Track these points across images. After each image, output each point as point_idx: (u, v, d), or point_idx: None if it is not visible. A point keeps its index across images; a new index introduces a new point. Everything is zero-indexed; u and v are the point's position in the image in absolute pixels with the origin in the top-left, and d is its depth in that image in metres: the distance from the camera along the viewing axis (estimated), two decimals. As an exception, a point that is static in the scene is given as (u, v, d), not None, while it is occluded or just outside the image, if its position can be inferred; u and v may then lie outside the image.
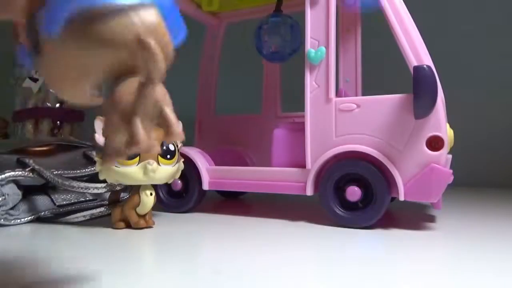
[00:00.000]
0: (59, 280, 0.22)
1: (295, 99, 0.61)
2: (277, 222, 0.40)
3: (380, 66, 0.66)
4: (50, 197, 0.40)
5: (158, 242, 0.31)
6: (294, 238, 0.34)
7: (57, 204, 0.40)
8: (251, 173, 0.42)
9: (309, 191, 0.39)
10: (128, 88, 0.17)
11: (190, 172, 0.45)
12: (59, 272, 0.24)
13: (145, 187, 0.36)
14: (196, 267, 0.25)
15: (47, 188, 0.41)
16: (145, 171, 0.33)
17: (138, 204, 0.35)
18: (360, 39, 0.51)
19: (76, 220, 0.39)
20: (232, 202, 0.55)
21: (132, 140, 0.17)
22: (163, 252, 0.28)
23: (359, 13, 0.51)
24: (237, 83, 0.76)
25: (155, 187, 0.38)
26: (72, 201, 0.41)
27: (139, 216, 0.36)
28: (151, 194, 0.36)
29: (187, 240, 0.33)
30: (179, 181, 0.45)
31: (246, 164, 0.55)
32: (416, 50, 0.35)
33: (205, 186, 0.44)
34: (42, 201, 0.40)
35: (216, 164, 0.46)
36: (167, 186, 0.46)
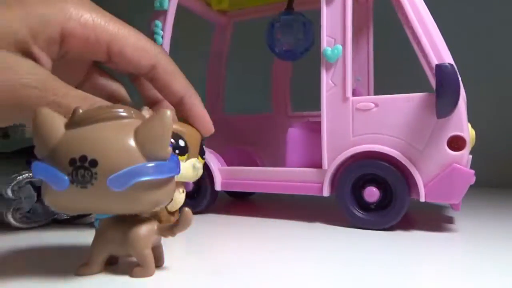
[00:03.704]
0: (74, 281, 0.22)
1: (305, 98, 0.61)
2: (292, 223, 0.39)
3: (391, 65, 0.65)
4: None
5: (170, 244, 0.30)
6: (310, 239, 0.33)
7: None
8: (266, 174, 0.41)
9: (326, 192, 0.38)
10: None
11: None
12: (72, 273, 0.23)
13: (178, 184, 0.34)
14: (210, 269, 0.25)
15: None
16: (194, 168, 0.30)
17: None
18: (372, 37, 0.51)
19: (90, 221, 0.38)
20: (243, 203, 0.55)
21: None
22: (175, 253, 0.28)
23: (371, 12, 0.50)
24: (245, 82, 0.75)
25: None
26: None
27: (169, 213, 0.34)
28: (183, 191, 0.34)
29: (199, 242, 0.32)
30: (191, 182, 0.45)
31: (255, 164, 0.55)
32: (436, 48, 0.34)
33: (218, 187, 0.43)
34: None
35: (225, 164, 0.45)
36: (179, 187, 0.46)
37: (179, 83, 0.27)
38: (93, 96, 0.23)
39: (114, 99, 0.28)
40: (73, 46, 0.23)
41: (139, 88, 0.30)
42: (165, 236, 0.23)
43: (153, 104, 0.30)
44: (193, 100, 0.27)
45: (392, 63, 0.66)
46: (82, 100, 0.22)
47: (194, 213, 0.43)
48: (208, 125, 0.29)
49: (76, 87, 0.26)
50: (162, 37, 0.45)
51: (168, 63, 0.26)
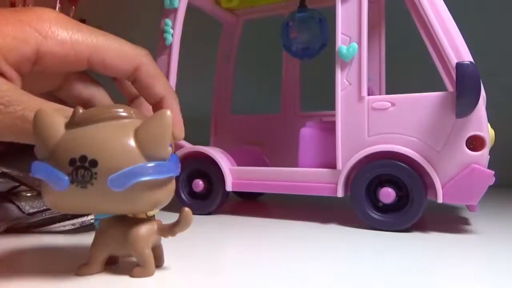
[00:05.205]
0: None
1: (314, 98, 0.60)
2: (305, 224, 0.39)
3: (402, 64, 0.65)
4: (16, 205, 0.34)
5: (170, 244, 0.29)
6: (323, 240, 0.33)
7: (26, 212, 0.34)
8: (278, 174, 0.41)
9: (340, 193, 0.38)
10: None
11: (212, 172, 0.43)
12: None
13: None
14: (210, 269, 0.24)
15: (10, 194, 0.35)
16: None
17: None
18: (385, 36, 0.50)
19: (63, 229, 0.34)
20: (252, 204, 0.54)
21: None
22: (175, 253, 0.27)
23: (383, 10, 0.50)
24: (254, 81, 0.75)
25: (177, 188, 0.36)
26: (43, 207, 0.34)
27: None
28: None
29: (201, 242, 0.32)
30: (201, 182, 0.44)
31: (264, 164, 0.54)
32: (456, 47, 0.33)
33: (229, 187, 0.43)
34: (9, 210, 0.34)
35: (235, 165, 0.45)
36: (189, 187, 0.45)
37: (160, 85, 0.27)
38: (67, 107, 0.23)
39: (93, 103, 0.28)
40: (51, 64, 0.23)
41: (119, 86, 0.29)
42: (165, 236, 0.23)
43: (133, 100, 0.30)
44: (172, 103, 0.27)
45: (402, 62, 0.66)
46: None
47: (205, 214, 0.43)
48: (180, 130, 0.28)
49: (53, 93, 0.27)
50: (172, 36, 0.45)
51: (150, 66, 0.26)
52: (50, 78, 0.26)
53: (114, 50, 0.25)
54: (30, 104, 0.21)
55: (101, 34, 0.25)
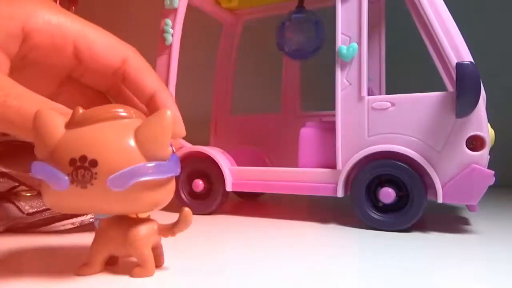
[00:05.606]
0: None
1: (313, 98, 0.60)
2: (304, 224, 0.39)
3: (402, 64, 0.65)
4: (16, 205, 0.34)
5: (170, 244, 0.29)
6: (323, 240, 0.33)
7: (25, 212, 0.34)
8: (278, 174, 0.41)
9: (340, 193, 0.38)
10: None
11: (212, 172, 0.43)
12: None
13: None
14: (210, 269, 0.24)
15: (10, 194, 0.35)
16: None
17: None
18: (385, 36, 0.50)
19: (63, 228, 0.34)
20: (252, 204, 0.54)
21: None
22: (175, 253, 0.27)
23: (383, 10, 0.50)
24: (254, 82, 0.75)
25: (177, 188, 0.36)
26: (42, 207, 0.34)
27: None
28: None
29: (200, 242, 0.32)
30: (201, 182, 0.44)
31: (264, 164, 0.54)
32: (456, 47, 0.33)
33: (229, 187, 0.43)
34: (9, 210, 0.34)
35: (235, 165, 0.45)
36: (189, 187, 0.45)
37: (150, 79, 0.26)
38: (53, 102, 0.22)
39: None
40: (38, 43, 0.22)
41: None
42: (165, 236, 0.23)
43: None
44: (166, 98, 0.26)
45: (402, 62, 0.66)
46: (39, 104, 0.21)
47: (205, 214, 0.43)
48: (181, 127, 0.26)
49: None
50: (172, 36, 0.45)
51: (139, 59, 0.26)
52: (44, 77, 0.26)
53: (101, 39, 0.24)
54: (13, 91, 0.21)
55: (89, 23, 0.24)
